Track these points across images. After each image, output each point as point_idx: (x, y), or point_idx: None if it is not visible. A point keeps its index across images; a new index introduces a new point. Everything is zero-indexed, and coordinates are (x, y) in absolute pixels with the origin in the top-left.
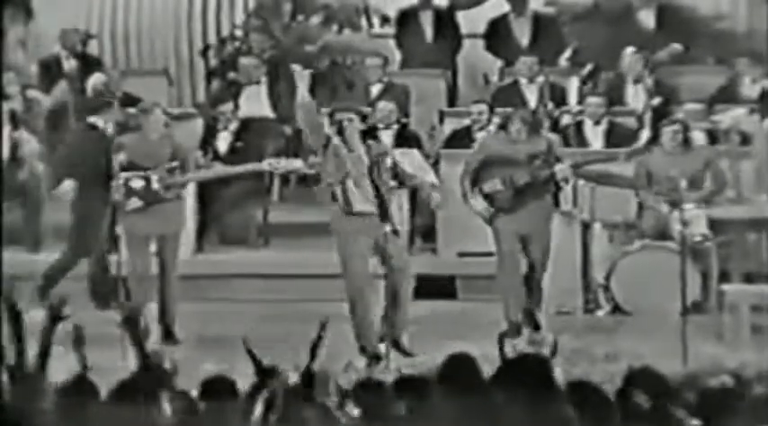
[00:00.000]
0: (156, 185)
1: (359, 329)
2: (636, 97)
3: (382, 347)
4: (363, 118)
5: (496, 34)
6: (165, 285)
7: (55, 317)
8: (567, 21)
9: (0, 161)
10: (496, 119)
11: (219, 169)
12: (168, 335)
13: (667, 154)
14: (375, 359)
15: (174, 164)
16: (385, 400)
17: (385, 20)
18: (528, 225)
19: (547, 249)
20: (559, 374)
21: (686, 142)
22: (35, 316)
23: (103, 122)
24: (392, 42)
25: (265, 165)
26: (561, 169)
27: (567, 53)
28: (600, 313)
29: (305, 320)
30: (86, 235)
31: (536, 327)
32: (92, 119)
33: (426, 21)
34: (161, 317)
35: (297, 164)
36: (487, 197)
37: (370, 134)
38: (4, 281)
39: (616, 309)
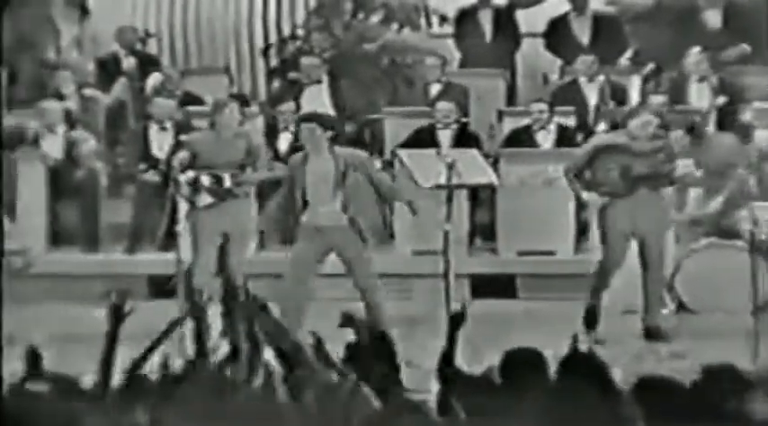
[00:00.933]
0: (227, 182)
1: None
2: (699, 96)
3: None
4: (331, 127)
5: (556, 33)
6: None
7: (118, 317)
8: (629, 20)
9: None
10: (556, 118)
11: None
12: None
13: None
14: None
15: (246, 160)
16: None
17: (444, 19)
18: (643, 223)
19: (663, 251)
20: (621, 374)
21: (698, 137)
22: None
23: None
24: (451, 42)
25: None
26: (686, 165)
27: (629, 53)
28: (665, 311)
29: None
30: None
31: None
32: None
33: (485, 20)
34: None
35: None
36: (597, 187)
37: (430, 134)
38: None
39: (681, 308)
